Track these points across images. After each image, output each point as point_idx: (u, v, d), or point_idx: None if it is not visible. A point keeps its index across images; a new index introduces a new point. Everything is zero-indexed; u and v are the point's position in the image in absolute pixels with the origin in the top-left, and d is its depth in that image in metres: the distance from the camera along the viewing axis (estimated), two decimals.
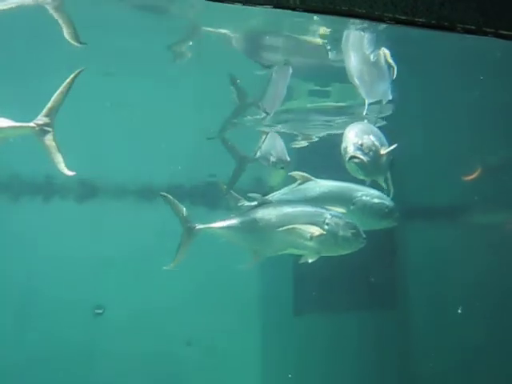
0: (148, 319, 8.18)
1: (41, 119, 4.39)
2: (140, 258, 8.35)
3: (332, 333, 9.15)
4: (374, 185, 5.97)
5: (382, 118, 7.20)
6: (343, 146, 5.00)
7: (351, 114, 8.18)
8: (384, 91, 5.63)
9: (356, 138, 4.92)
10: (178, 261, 5.42)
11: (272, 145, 6.06)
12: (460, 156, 8.41)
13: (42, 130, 4.36)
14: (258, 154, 5.37)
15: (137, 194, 8.49)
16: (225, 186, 5.83)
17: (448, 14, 1.49)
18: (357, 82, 5.33)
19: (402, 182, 6.39)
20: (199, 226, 5.32)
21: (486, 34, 1.57)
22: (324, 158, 6.48)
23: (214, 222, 5.65)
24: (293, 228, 5.16)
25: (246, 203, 5.60)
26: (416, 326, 9.78)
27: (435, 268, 9.58)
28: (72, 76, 4.35)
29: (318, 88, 8.71)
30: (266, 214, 5.41)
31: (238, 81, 6.57)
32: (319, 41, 6.80)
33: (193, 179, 8.62)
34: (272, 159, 5.19)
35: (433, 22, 1.49)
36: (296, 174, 5.67)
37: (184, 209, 5.37)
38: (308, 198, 5.74)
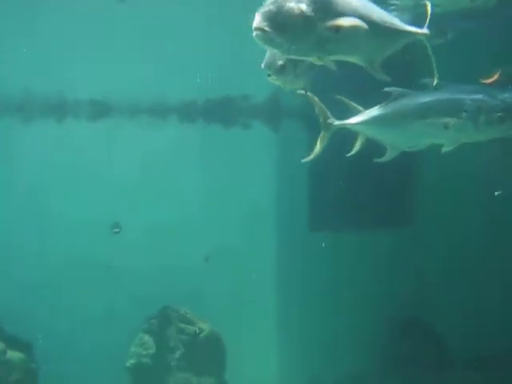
0: (165, 236, 8.23)
1: None
2: (155, 175, 8.33)
3: (347, 250, 9.22)
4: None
5: None
6: None
7: None
8: None
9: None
10: (314, 155, 5.29)
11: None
12: None
13: None
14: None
15: (150, 111, 8.34)
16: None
17: None
18: None
19: None
20: (337, 123, 5.20)
21: None
22: None
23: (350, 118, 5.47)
24: (430, 118, 5.01)
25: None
26: (432, 244, 9.84)
27: (453, 185, 9.52)
28: None
29: None
30: (403, 106, 5.24)
31: None
32: None
33: (207, 96, 8.43)
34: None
35: None
36: (391, 89, 5.33)
37: (323, 105, 5.19)
38: (412, 111, 5.41)
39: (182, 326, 7.65)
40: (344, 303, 9.34)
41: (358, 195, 9.22)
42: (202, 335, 7.54)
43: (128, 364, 7.67)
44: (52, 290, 8.25)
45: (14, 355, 7.41)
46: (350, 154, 5.39)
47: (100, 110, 8.24)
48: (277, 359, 8.83)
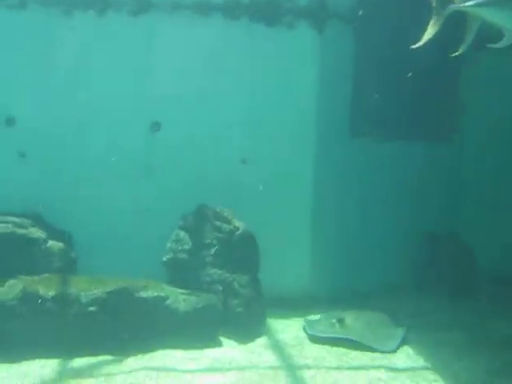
0: (205, 137, 8.22)
1: None
2: (196, 74, 8.24)
3: (386, 159, 9.14)
4: None
5: None
6: None
7: None
8: None
9: None
10: (426, 39, 5.10)
11: None
12: None
13: None
14: None
15: (193, 8, 8.16)
16: None
17: None
18: None
19: None
20: (452, 5, 4.95)
21: None
22: None
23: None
24: None
25: None
26: (471, 160, 9.68)
27: (496, 102, 9.27)
28: None
29: None
30: None
31: None
32: None
33: None
34: None
35: None
36: None
37: None
38: None
39: (218, 223, 7.72)
40: (378, 213, 9.33)
41: (401, 105, 9.06)
42: (237, 233, 7.59)
43: (164, 259, 7.85)
44: (91, 185, 8.37)
45: (54, 244, 7.58)
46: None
47: (142, 4, 8.04)
48: (310, 265, 8.90)
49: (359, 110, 8.94)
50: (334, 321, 7.08)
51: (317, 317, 7.76)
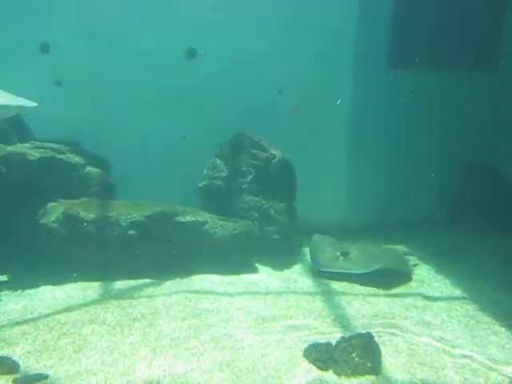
0: (241, 65, 8.04)
1: None
2: (231, 2, 8.00)
3: (425, 89, 8.88)
4: None
5: None
6: None
7: None
8: None
9: None
10: None
11: None
12: None
13: None
14: None
15: None
16: None
17: None
18: None
19: None
20: None
21: None
22: None
23: None
24: None
25: None
26: None
27: None
28: None
29: None
30: None
31: None
32: None
33: None
34: None
35: None
36: None
37: None
38: None
39: (254, 151, 7.66)
40: (417, 146, 9.16)
41: (441, 35, 8.73)
42: (273, 161, 7.55)
43: (200, 185, 7.85)
44: (128, 113, 8.32)
45: (92, 170, 7.63)
46: None
47: None
48: (345, 195, 8.85)
49: (399, 40, 8.63)
50: (338, 254, 6.93)
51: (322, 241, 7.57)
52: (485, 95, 9.42)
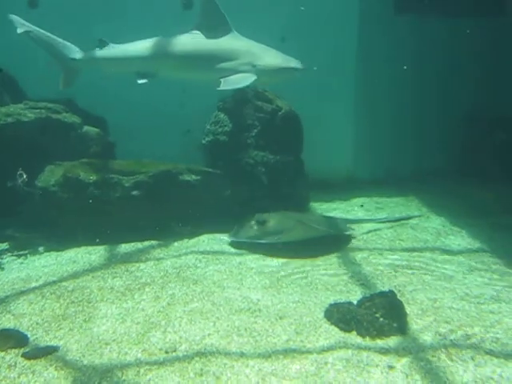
0: (242, 14, 7.63)
1: None
2: None
3: (432, 36, 8.51)
4: None
5: None
6: None
7: None
8: None
9: None
10: None
11: None
12: None
13: None
14: None
15: None
16: None
17: None
18: None
19: None
20: None
21: None
22: None
23: None
24: None
25: None
26: None
27: None
28: None
29: None
30: None
31: None
32: None
33: None
34: None
35: None
36: None
37: None
38: None
39: (259, 103, 7.30)
40: (424, 96, 8.84)
41: None
42: (279, 113, 7.20)
43: (204, 141, 7.53)
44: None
45: (90, 129, 7.29)
46: None
47: None
48: (353, 147, 8.57)
49: None
50: (253, 222, 6.26)
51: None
52: (495, 42, 8.99)
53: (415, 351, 3.85)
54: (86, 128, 7.29)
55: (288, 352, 3.88)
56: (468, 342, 3.99)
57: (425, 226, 6.80)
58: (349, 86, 8.38)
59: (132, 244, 6.21)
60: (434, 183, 8.58)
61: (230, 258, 5.80)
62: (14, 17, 6.94)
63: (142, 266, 5.60)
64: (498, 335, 4.08)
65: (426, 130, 8.95)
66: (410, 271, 5.32)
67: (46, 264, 5.76)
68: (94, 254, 6.01)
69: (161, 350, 3.98)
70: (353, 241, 6.31)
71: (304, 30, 7.96)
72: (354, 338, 4.09)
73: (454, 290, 4.88)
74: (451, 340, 4.01)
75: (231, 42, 6.51)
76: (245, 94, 7.38)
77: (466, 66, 8.79)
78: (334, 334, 4.16)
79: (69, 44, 6.95)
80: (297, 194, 7.25)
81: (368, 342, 4.04)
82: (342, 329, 4.23)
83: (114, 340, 4.14)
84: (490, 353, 3.82)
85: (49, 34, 6.99)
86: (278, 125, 7.22)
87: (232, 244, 6.17)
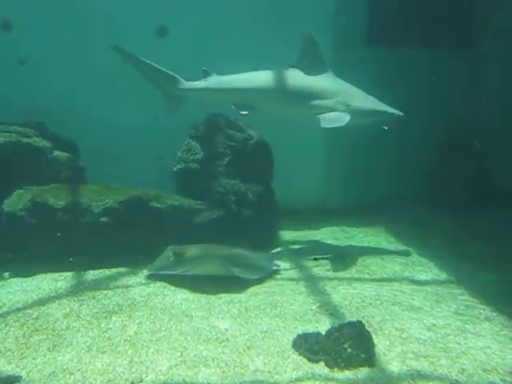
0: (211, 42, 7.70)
1: None
2: None
3: (401, 67, 8.70)
4: None
5: None
6: None
7: None
8: None
9: None
10: None
11: None
12: None
13: None
14: None
15: None
16: None
17: None
18: None
19: None
20: None
21: None
22: None
23: None
24: None
25: None
26: (490, 69, 9.25)
27: None
28: None
29: None
30: None
31: None
32: None
33: None
34: None
35: None
36: None
37: None
38: None
39: (231, 132, 7.37)
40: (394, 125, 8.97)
41: (417, 13, 8.69)
42: (251, 142, 7.27)
43: (175, 169, 7.52)
44: (91, 89, 7.92)
45: (60, 154, 7.25)
46: None
47: None
48: (323, 176, 8.65)
49: (375, 18, 8.43)
50: (170, 254, 6.15)
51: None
52: (462, 72, 9.25)
53: (383, 382, 3.85)
54: (56, 152, 7.25)
55: (256, 383, 3.84)
56: (435, 373, 3.99)
57: (393, 256, 6.84)
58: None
59: (100, 271, 6.16)
60: (403, 211, 8.65)
61: (200, 286, 5.74)
62: (117, 45, 6.89)
63: (110, 293, 5.54)
64: (464, 366, 4.09)
65: (397, 157, 9.06)
66: (378, 302, 5.33)
67: (10, 290, 5.66)
68: (60, 280, 5.92)
69: (127, 380, 3.93)
70: (322, 270, 6.29)
71: (277, 58, 8.03)
72: (321, 369, 4.09)
73: (422, 321, 4.90)
74: (418, 371, 4.02)
75: (328, 81, 6.63)
76: (216, 123, 7.41)
77: (438, 95, 8.99)
78: (302, 364, 4.12)
79: (172, 73, 6.93)
80: (266, 223, 7.23)
81: (336, 373, 4.03)
82: (310, 359, 4.19)
83: (78, 370, 4.06)
84: (456, 383, 3.83)
85: (153, 63, 6.96)
86: (249, 153, 7.28)
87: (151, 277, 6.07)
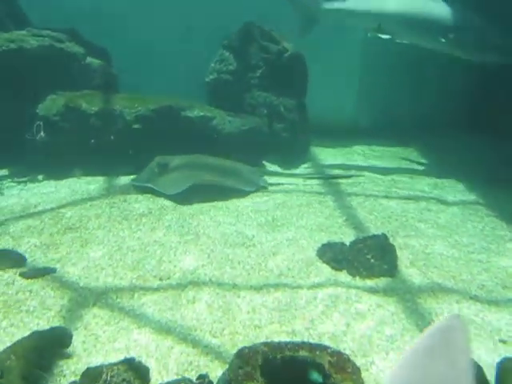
0: None
1: None
2: None
3: None
4: None
5: None
6: None
7: None
8: None
9: None
10: None
11: None
12: None
13: None
14: None
15: None
16: None
17: None
18: None
19: None
20: None
21: None
22: None
23: None
24: None
25: None
26: None
27: None
28: None
29: None
30: None
31: None
32: None
33: None
34: None
35: None
36: None
37: None
38: None
39: (265, 43, 7.24)
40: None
41: None
42: (285, 55, 7.13)
43: (207, 79, 7.48)
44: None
45: (93, 61, 7.21)
46: None
47: None
48: (356, 94, 8.49)
49: None
50: (154, 165, 5.95)
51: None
52: None
53: (403, 292, 3.94)
54: (89, 59, 7.22)
55: (279, 286, 3.96)
56: (455, 287, 4.06)
57: (422, 177, 6.81)
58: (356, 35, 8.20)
59: (131, 177, 6.23)
60: (437, 135, 8.49)
61: (232, 200, 5.83)
62: None
63: (140, 197, 5.66)
64: (484, 282, 4.14)
65: (429, 80, 8.81)
66: (404, 218, 5.36)
67: (45, 191, 5.81)
68: (92, 184, 6.06)
69: (155, 277, 4.06)
70: (350, 186, 6.31)
71: None
72: (344, 276, 4.18)
73: (446, 238, 4.93)
74: (438, 284, 4.09)
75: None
76: (250, 33, 7.28)
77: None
78: (325, 271, 4.22)
79: None
80: (297, 137, 7.22)
81: (358, 281, 4.12)
82: (333, 267, 4.28)
83: (109, 265, 4.23)
84: (475, 298, 3.90)
85: None
86: (283, 67, 7.14)
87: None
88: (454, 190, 6.40)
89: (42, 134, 5.95)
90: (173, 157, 6.02)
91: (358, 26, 6.85)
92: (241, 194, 5.77)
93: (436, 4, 6.33)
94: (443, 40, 6.19)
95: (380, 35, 6.40)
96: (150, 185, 5.61)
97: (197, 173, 5.79)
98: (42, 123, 6.02)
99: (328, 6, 6.71)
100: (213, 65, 7.37)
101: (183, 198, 5.51)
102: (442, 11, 6.30)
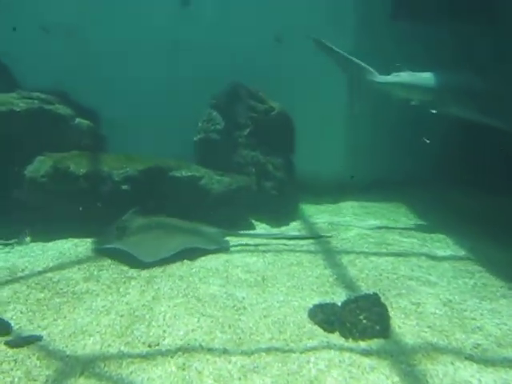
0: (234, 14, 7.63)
1: None
2: None
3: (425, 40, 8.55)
4: None
5: None
6: None
7: None
8: None
9: None
10: None
11: None
12: None
13: None
14: None
15: None
16: None
17: None
18: None
19: None
20: None
21: None
22: None
23: None
24: None
25: None
26: None
27: None
28: None
29: None
30: None
31: None
32: None
33: None
34: None
35: None
36: None
37: None
38: None
39: (252, 103, 7.34)
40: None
41: None
42: (272, 113, 7.23)
43: (195, 139, 7.54)
44: (118, 61, 7.92)
45: (82, 122, 7.28)
46: None
47: None
48: (344, 152, 8.60)
49: None
50: (114, 228, 5.91)
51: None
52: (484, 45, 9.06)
53: (397, 354, 3.87)
54: (77, 120, 7.28)
55: (271, 350, 3.89)
56: (449, 346, 4.00)
57: (411, 232, 6.82)
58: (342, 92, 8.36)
59: None
60: (425, 190, 8.56)
61: (217, 255, 5.81)
62: (315, 38, 7.04)
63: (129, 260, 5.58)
64: (478, 341, 4.09)
65: (418, 136, 8.91)
66: (394, 276, 5.34)
67: (32, 254, 5.74)
68: (80, 246, 6.01)
69: (144, 343, 3.98)
70: (340, 243, 6.30)
71: (299, 30, 7.98)
72: (336, 338, 4.11)
73: (438, 296, 4.90)
74: (432, 344, 4.03)
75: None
76: (237, 93, 7.40)
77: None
78: (318, 334, 4.16)
79: (367, 66, 6.96)
80: (286, 195, 7.24)
81: (351, 343, 4.05)
82: (325, 329, 4.22)
83: (97, 332, 4.14)
84: (470, 358, 3.84)
85: (348, 55, 7.00)
86: (270, 125, 7.23)
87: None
88: (444, 245, 6.40)
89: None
90: (134, 220, 6.02)
91: (406, 98, 7.00)
92: (206, 252, 5.86)
93: (476, 79, 6.57)
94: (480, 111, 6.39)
95: (432, 110, 6.59)
96: (119, 246, 5.55)
97: (168, 237, 5.81)
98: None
99: (380, 79, 6.87)
100: (200, 124, 7.45)
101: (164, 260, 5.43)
102: (481, 86, 6.54)
